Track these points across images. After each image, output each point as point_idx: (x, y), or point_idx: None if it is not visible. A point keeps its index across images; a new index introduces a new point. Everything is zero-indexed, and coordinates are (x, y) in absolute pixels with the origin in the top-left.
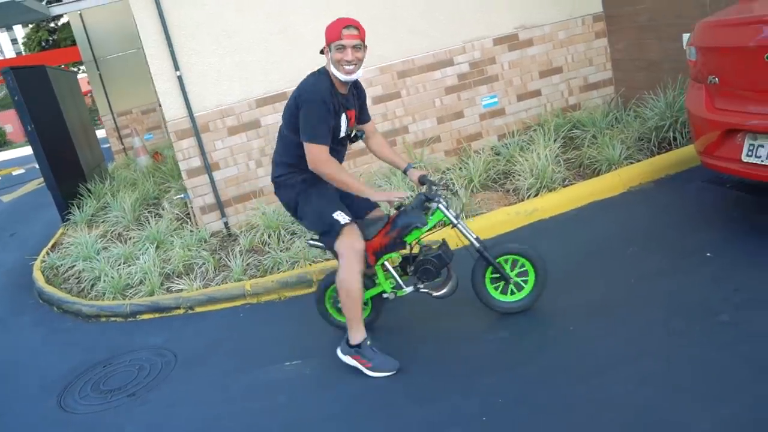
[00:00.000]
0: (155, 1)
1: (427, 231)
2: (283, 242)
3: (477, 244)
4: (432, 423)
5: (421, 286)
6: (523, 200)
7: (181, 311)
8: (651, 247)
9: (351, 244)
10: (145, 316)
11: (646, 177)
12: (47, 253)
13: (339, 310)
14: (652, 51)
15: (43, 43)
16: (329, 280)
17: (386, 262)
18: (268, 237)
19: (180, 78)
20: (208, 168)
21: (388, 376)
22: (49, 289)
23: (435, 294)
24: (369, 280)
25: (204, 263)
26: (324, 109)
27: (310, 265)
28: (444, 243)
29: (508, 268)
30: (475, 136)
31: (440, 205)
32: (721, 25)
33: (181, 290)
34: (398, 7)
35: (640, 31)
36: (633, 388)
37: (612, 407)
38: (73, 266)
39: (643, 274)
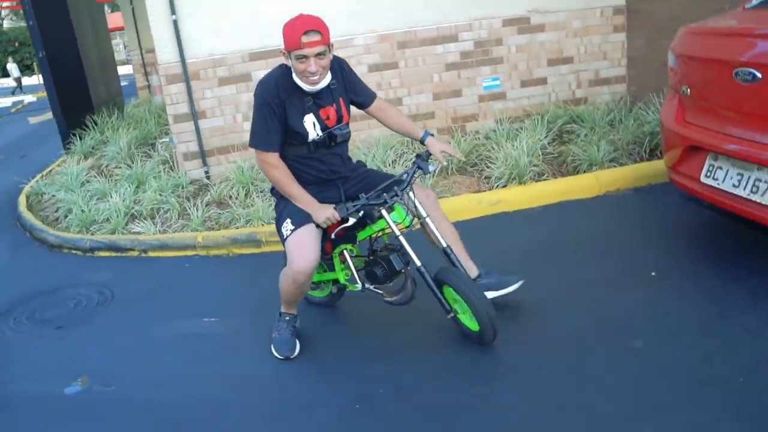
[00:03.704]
0: None
1: (377, 232)
2: (250, 198)
3: (418, 263)
4: (302, 404)
5: (370, 286)
6: (491, 189)
7: (136, 253)
8: (600, 257)
9: (291, 261)
10: (102, 253)
11: (626, 183)
12: (39, 180)
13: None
14: (665, 53)
15: None
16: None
17: (345, 252)
18: (237, 192)
19: (175, 22)
20: (194, 115)
21: (276, 356)
22: (27, 215)
23: (386, 299)
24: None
25: (170, 209)
26: (266, 112)
27: (262, 225)
28: (402, 247)
29: (450, 296)
30: (471, 117)
31: (384, 212)
32: (699, 33)
33: (140, 233)
34: None
35: (659, 31)
36: (516, 400)
37: (491, 415)
38: (55, 195)
39: (578, 284)
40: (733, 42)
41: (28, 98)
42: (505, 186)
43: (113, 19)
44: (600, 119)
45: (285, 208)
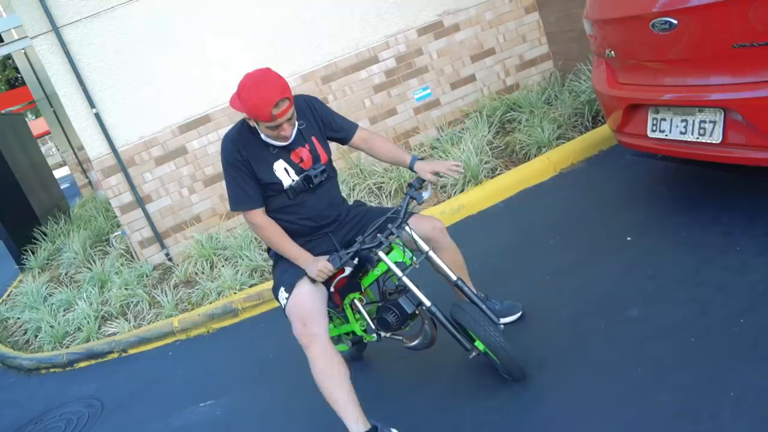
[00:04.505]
0: (60, 42)
1: (381, 276)
2: (216, 269)
3: (428, 303)
4: None
5: (386, 334)
6: (450, 197)
7: (115, 355)
8: (573, 235)
9: (300, 336)
10: (82, 364)
11: (577, 156)
12: (0, 305)
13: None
14: (580, 20)
15: (12, 81)
16: None
17: (356, 300)
18: (202, 267)
19: (97, 115)
20: (140, 201)
21: None
22: None
23: (406, 345)
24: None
25: (139, 301)
26: (233, 173)
27: (234, 293)
28: (408, 289)
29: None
30: (412, 131)
31: (381, 254)
32: None
33: (115, 333)
34: (309, 12)
35: (569, 1)
36: (517, 392)
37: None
38: (20, 317)
39: (559, 267)
40: None
41: None
42: (462, 191)
43: (38, 125)
44: (536, 101)
45: (280, 276)
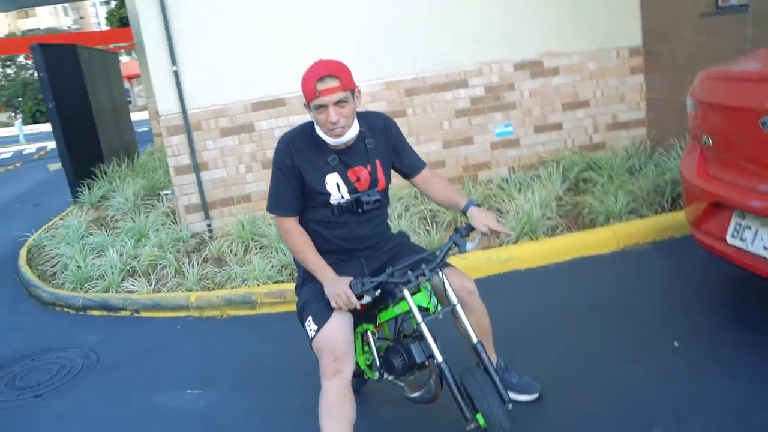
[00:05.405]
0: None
1: (399, 315)
2: (248, 254)
3: (439, 358)
4: None
5: (388, 376)
6: (501, 245)
7: (128, 313)
8: (618, 322)
9: (326, 369)
10: (94, 312)
11: (645, 237)
12: (42, 232)
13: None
14: (686, 95)
15: (125, 20)
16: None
17: (369, 332)
18: (236, 248)
19: (176, 73)
20: (196, 167)
21: None
22: (25, 269)
23: (406, 393)
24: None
25: (166, 266)
26: (279, 175)
27: (258, 285)
28: (423, 337)
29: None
30: (483, 165)
31: (406, 292)
32: (720, 77)
33: (133, 291)
34: (413, 17)
35: (679, 71)
36: None
37: None
38: (55, 249)
39: (594, 354)
40: (759, 88)
41: (51, 144)
42: (516, 242)
43: (132, 67)
44: (618, 166)
45: (307, 300)
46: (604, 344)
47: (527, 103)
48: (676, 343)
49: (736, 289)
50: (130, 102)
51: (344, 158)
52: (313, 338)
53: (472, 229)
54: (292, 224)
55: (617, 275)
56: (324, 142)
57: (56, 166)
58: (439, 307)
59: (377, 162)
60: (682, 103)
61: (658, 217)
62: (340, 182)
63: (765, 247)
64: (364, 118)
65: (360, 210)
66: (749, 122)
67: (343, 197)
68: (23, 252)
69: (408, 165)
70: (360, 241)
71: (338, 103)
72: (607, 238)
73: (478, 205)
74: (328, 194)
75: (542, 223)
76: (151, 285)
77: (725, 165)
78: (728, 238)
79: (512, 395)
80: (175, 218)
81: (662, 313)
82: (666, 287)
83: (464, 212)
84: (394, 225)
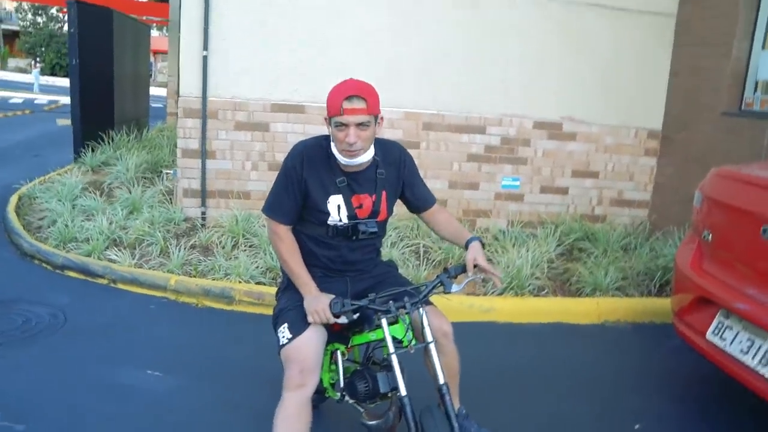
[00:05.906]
0: None
1: (372, 342)
2: (236, 250)
3: (403, 392)
4: None
5: (349, 399)
6: (486, 294)
7: (105, 281)
8: (584, 395)
9: (290, 380)
10: (72, 274)
11: (627, 316)
12: (37, 183)
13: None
14: (694, 186)
15: None
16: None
17: (339, 353)
18: (225, 241)
19: (205, 58)
20: (203, 154)
21: None
22: (12, 216)
23: (363, 419)
24: None
25: (153, 243)
26: (285, 180)
27: (239, 282)
28: (391, 368)
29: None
30: (484, 212)
31: (384, 321)
32: (731, 178)
33: (115, 261)
34: (447, 55)
35: (692, 163)
36: None
37: None
38: (46, 203)
39: (556, 420)
40: (765, 194)
41: (64, 100)
42: (500, 294)
43: (160, 43)
44: (615, 241)
45: (285, 307)
46: (567, 411)
47: (539, 162)
48: (637, 426)
49: (705, 385)
50: (151, 76)
51: (352, 182)
52: (283, 345)
53: (462, 271)
54: (285, 232)
55: (593, 347)
56: (336, 161)
57: (65, 121)
58: (413, 342)
59: (383, 193)
60: (688, 194)
61: (643, 299)
62: (342, 205)
63: (742, 351)
64: (381, 145)
65: (354, 237)
66: (751, 226)
67: (341, 220)
68: (13, 199)
69: (420, 199)
70: (348, 264)
71: (360, 125)
72: (590, 309)
73: (483, 244)
74: (328, 214)
75: (530, 282)
76: (134, 259)
77: (720, 263)
78: (708, 335)
79: None
80: (171, 199)
81: (631, 394)
82: (639, 369)
83: (465, 246)
84: (386, 253)
